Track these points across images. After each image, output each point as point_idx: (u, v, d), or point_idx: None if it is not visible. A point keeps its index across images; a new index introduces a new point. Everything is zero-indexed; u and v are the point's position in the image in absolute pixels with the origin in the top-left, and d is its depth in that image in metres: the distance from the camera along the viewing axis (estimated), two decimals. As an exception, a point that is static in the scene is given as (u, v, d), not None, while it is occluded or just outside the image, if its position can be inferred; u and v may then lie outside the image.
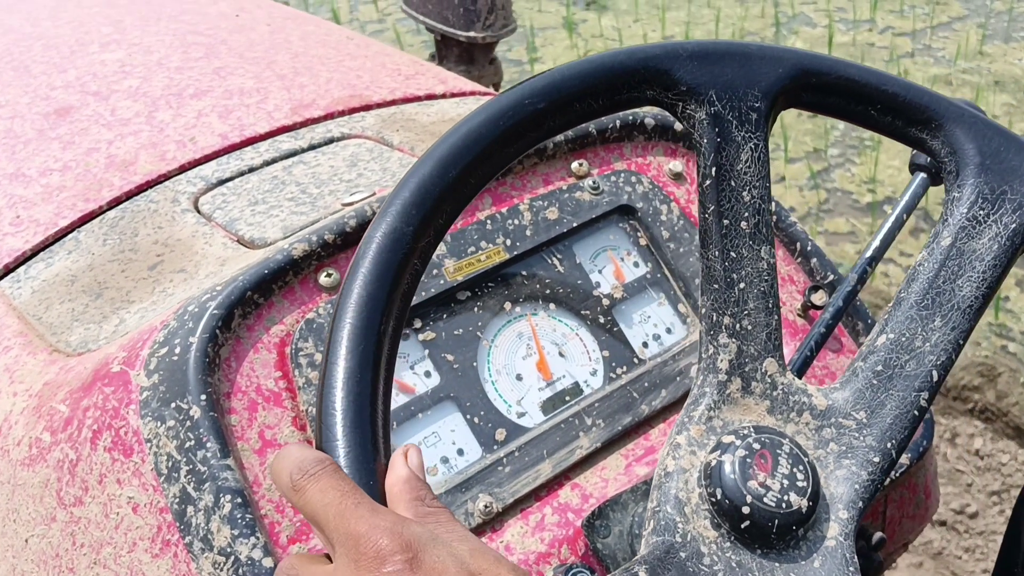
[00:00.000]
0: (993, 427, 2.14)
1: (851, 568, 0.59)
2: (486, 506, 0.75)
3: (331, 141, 1.06)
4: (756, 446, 0.61)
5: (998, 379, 2.18)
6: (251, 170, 1.01)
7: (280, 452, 0.51)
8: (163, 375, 0.71)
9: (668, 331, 0.88)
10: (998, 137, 0.67)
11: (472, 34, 1.52)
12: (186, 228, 0.93)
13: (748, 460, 0.60)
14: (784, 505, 0.59)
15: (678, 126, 0.94)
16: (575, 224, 0.87)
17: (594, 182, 0.90)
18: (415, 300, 0.80)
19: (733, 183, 0.64)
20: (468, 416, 0.79)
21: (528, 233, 0.86)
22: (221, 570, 0.66)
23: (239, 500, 0.67)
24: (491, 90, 1.30)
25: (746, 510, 0.58)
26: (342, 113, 1.12)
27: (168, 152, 1.05)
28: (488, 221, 0.85)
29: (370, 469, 0.52)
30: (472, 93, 1.23)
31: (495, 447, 0.78)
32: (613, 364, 0.85)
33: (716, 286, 0.64)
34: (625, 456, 0.81)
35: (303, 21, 1.43)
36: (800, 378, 0.65)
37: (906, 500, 0.93)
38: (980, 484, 2.05)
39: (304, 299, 0.77)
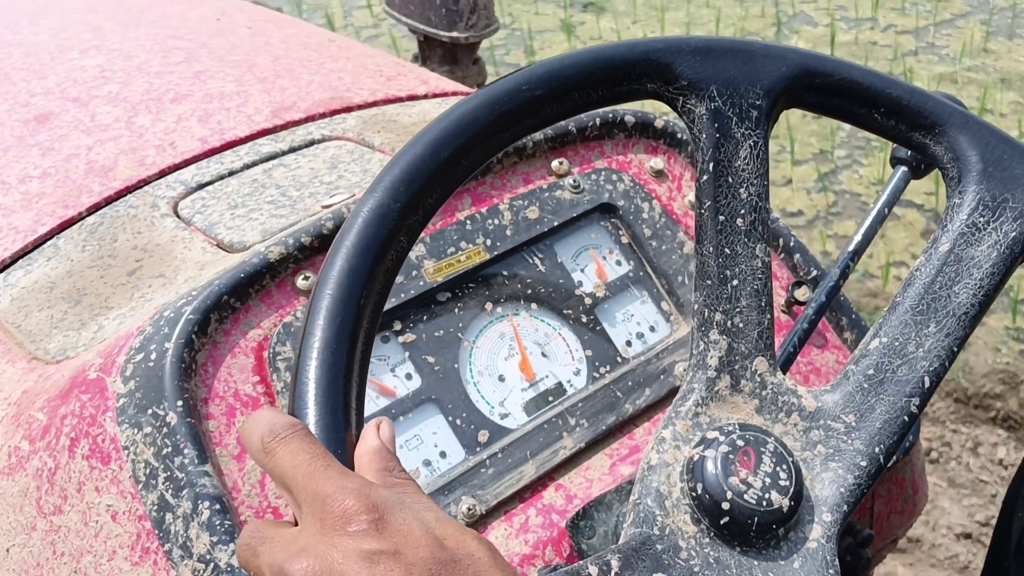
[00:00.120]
0: (1016, 435, 2.12)
1: (831, 571, 0.58)
2: (469, 508, 0.74)
3: (312, 143, 1.05)
4: (740, 443, 0.60)
5: (1020, 386, 2.16)
6: (231, 174, 1.00)
7: (252, 415, 0.51)
8: (139, 381, 0.70)
9: (651, 329, 0.88)
10: (1002, 145, 0.67)
11: (455, 34, 1.51)
12: (165, 233, 0.92)
13: (731, 456, 0.60)
14: (765, 503, 0.59)
15: (659, 123, 0.94)
16: (556, 223, 0.87)
17: (575, 180, 0.89)
18: (395, 302, 0.79)
19: (730, 179, 0.64)
20: (450, 418, 0.78)
21: (509, 233, 0.85)
22: None
23: (217, 506, 0.66)
24: (474, 91, 1.30)
25: (726, 506, 0.58)
26: (323, 115, 1.12)
27: (148, 157, 1.04)
28: (468, 221, 0.84)
29: (340, 438, 0.52)
30: (455, 93, 1.23)
31: (478, 449, 0.78)
32: (596, 363, 0.84)
33: (709, 282, 0.64)
34: (609, 456, 0.80)
35: (284, 24, 1.43)
36: (784, 374, 0.65)
37: (893, 496, 0.92)
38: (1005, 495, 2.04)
39: (281, 302, 0.76)
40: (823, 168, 2.94)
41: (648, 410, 0.83)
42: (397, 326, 0.80)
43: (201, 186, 0.99)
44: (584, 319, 0.86)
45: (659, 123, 0.94)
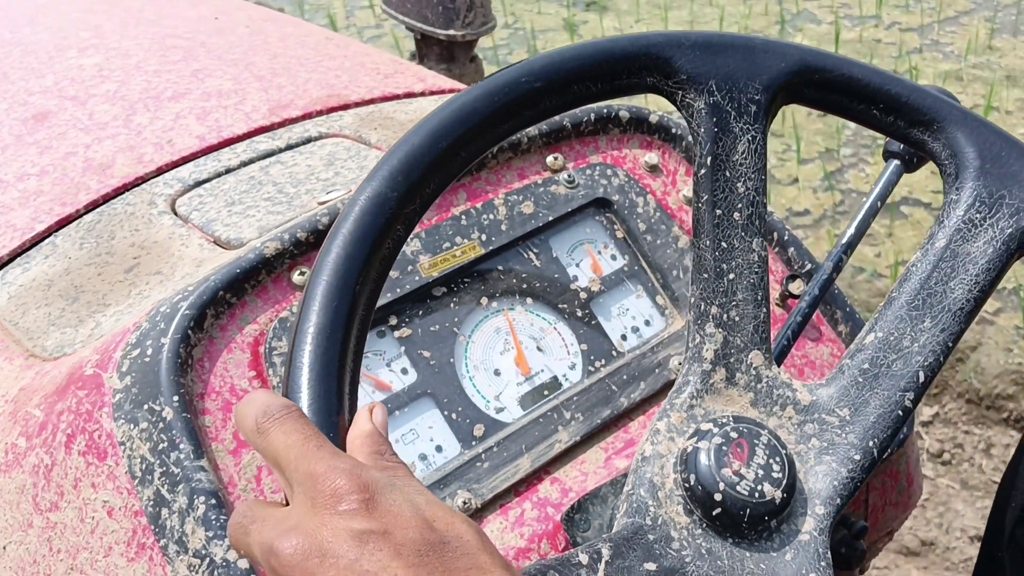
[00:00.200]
0: (1030, 436, 2.12)
1: (823, 563, 0.59)
2: (465, 502, 0.74)
3: (309, 141, 1.06)
4: (733, 435, 0.61)
5: (1033, 386, 2.16)
6: (228, 171, 1.01)
7: (246, 397, 0.52)
8: (135, 377, 0.71)
9: (647, 323, 0.88)
10: (999, 141, 0.67)
11: (452, 32, 1.51)
12: (163, 230, 0.93)
13: (724, 448, 0.60)
14: (757, 495, 0.59)
15: (653, 118, 0.94)
16: (551, 218, 0.87)
17: (569, 175, 0.89)
18: (390, 297, 0.79)
19: (728, 173, 0.64)
20: (446, 412, 0.79)
21: (503, 228, 0.85)
22: (196, 572, 0.66)
23: (213, 501, 0.67)
24: (471, 87, 1.30)
25: (718, 497, 0.58)
26: (320, 113, 1.12)
27: (145, 155, 1.05)
28: (463, 216, 0.84)
29: (332, 422, 0.52)
30: (452, 91, 1.23)
31: (473, 443, 0.78)
32: (592, 357, 0.85)
33: (705, 275, 0.64)
34: (604, 449, 0.80)
35: (282, 23, 1.43)
36: (779, 367, 0.66)
37: (888, 488, 0.93)
38: (1019, 497, 2.03)
39: (277, 298, 0.77)
40: (829, 167, 2.93)
41: (643, 404, 0.83)
42: (393, 321, 0.80)
43: (199, 183, 0.99)
44: (579, 313, 0.86)
45: (653, 118, 0.94)
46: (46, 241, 0.97)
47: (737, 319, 0.64)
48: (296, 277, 0.78)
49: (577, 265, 0.88)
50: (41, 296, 0.89)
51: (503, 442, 0.78)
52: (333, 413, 0.52)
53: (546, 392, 0.82)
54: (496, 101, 0.61)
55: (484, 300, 0.83)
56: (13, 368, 0.82)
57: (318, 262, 0.56)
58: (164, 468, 0.68)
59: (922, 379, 0.63)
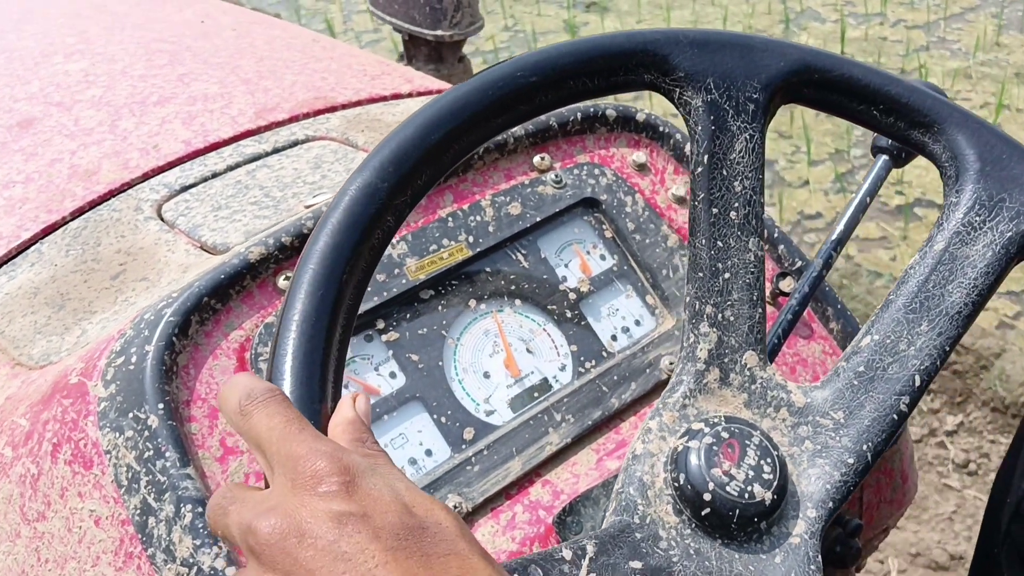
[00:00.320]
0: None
1: (812, 567, 0.58)
2: (455, 506, 0.74)
3: (295, 144, 1.05)
4: (725, 435, 0.60)
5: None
6: (214, 175, 1.00)
7: (230, 379, 0.52)
8: (120, 385, 0.70)
9: (637, 323, 0.87)
10: (1000, 144, 0.66)
11: (439, 32, 1.51)
12: (149, 236, 0.92)
13: (715, 448, 0.60)
14: (747, 496, 0.59)
15: (640, 117, 0.93)
16: (539, 219, 0.87)
17: (557, 175, 0.89)
18: (377, 301, 0.79)
19: (725, 172, 0.64)
20: (435, 416, 0.78)
21: (491, 229, 0.85)
22: None
23: (200, 509, 0.66)
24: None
25: (707, 497, 0.58)
26: (307, 115, 1.11)
27: (131, 160, 1.04)
28: (449, 218, 0.84)
29: (315, 409, 0.52)
30: (439, 91, 1.22)
31: (463, 446, 0.77)
32: (582, 358, 0.84)
33: (701, 274, 0.64)
34: (596, 451, 0.80)
35: (269, 25, 1.43)
36: (773, 367, 0.65)
37: (883, 485, 0.92)
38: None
39: (263, 303, 0.76)
40: (840, 168, 2.91)
41: (634, 404, 0.83)
42: (380, 325, 0.80)
43: (185, 188, 0.99)
44: (569, 314, 0.85)
45: (641, 116, 0.93)
46: (32, 249, 0.96)
47: (732, 319, 0.64)
48: (281, 282, 0.77)
49: (566, 266, 0.87)
50: (27, 304, 0.88)
51: (493, 445, 0.77)
52: (315, 400, 0.52)
53: (536, 394, 0.82)
54: (490, 95, 0.61)
55: (472, 302, 0.83)
56: (-1, 377, 0.82)
57: (306, 250, 0.56)
58: (150, 476, 0.67)
59: (918, 383, 0.63)
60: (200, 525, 0.66)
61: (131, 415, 0.69)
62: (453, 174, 0.86)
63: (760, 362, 0.64)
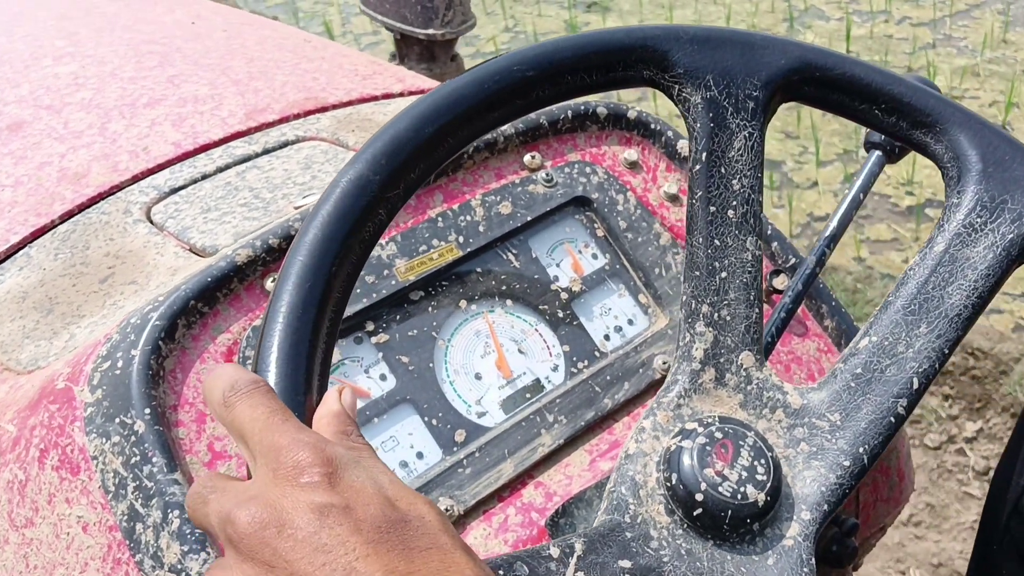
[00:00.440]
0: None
1: (806, 569, 0.58)
2: (447, 509, 0.73)
3: (285, 144, 1.04)
4: (718, 435, 0.60)
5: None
6: (204, 177, 0.99)
7: (215, 370, 0.51)
8: (107, 390, 0.69)
9: (630, 322, 0.87)
10: (1003, 145, 0.66)
11: (431, 31, 1.50)
12: (138, 239, 0.91)
13: (708, 448, 0.59)
14: (739, 496, 0.58)
15: (632, 114, 0.93)
16: (530, 218, 0.86)
17: (548, 174, 0.88)
18: (367, 302, 0.78)
19: (723, 170, 0.63)
20: (426, 418, 0.77)
21: (481, 229, 0.84)
22: None
23: (187, 515, 0.66)
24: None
25: (699, 497, 0.57)
26: (297, 116, 1.11)
27: (121, 163, 1.03)
28: (439, 218, 0.83)
29: (299, 401, 0.51)
30: (430, 91, 1.21)
31: (455, 448, 0.77)
32: (574, 359, 0.83)
33: (697, 273, 0.63)
34: (589, 452, 0.79)
35: (260, 25, 1.42)
36: (769, 368, 0.65)
37: (879, 483, 0.92)
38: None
39: (251, 306, 0.75)
40: (849, 169, 2.88)
41: (628, 404, 0.82)
42: (370, 327, 0.79)
43: (174, 191, 0.98)
44: (561, 314, 0.85)
45: (632, 114, 0.93)
46: (20, 253, 0.95)
47: (728, 318, 0.63)
48: (269, 284, 0.76)
49: (557, 265, 0.87)
50: (15, 309, 0.88)
51: (485, 447, 0.77)
52: (300, 392, 0.52)
53: (528, 395, 0.81)
54: (486, 89, 0.60)
55: (463, 303, 0.82)
56: (-13, 383, 0.81)
57: (295, 242, 0.55)
58: (137, 482, 0.67)
59: (916, 386, 0.62)
60: (188, 531, 0.65)
61: (117, 420, 0.68)
62: (443, 174, 0.85)
63: (756, 362, 0.63)
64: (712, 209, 0.63)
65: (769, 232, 0.91)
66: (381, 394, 0.77)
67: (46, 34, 1.38)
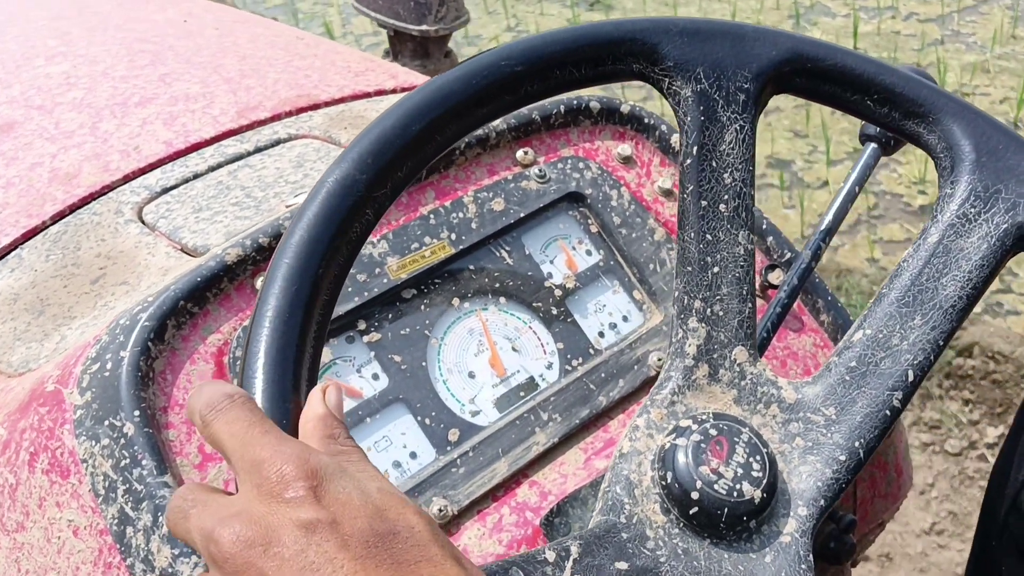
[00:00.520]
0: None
1: (803, 566, 0.57)
2: (440, 510, 0.73)
3: (278, 143, 1.04)
4: (713, 432, 0.59)
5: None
6: (196, 176, 0.99)
7: (195, 389, 0.50)
8: (96, 392, 0.69)
9: (624, 319, 0.86)
10: (996, 134, 0.65)
11: (424, 27, 1.50)
12: (129, 239, 0.91)
13: (702, 445, 0.59)
14: (735, 494, 0.57)
15: (625, 108, 0.92)
16: (523, 214, 0.85)
17: (541, 170, 0.88)
18: (359, 301, 0.77)
19: (714, 164, 0.63)
20: (419, 418, 0.77)
21: (474, 226, 0.83)
22: None
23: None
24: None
25: (695, 495, 0.57)
26: (289, 114, 1.10)
27: (112, 162, 1.03)
28: (431, 216, 0.82)
29: (285, 408, 0.50)
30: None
31: (448, 448, 0.76)
32: (569, 356, 0.83)
33: (689, 268, 0.62)
34: (584, 450, 0.78)
35: (252, 24, 1.41)
36: (763, 363, 0.64)
37: (877, 479, 0.91)
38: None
39: (241, 306, 0.75)
40: None
41: (623, 402, 0.81)
42: (362, 325, 0.78)
43: (166, 190, 0.97)
44: (555, 311, 0.84)
45: (625, 108, 0.92)
46: (12, 254, 0.95)
47: (721, 314, 0.62)
48: (259, 283, 0.75)
49: (551, 262, 0.86)
50: (7, 311, 0.87)
51: (479, 446, 0.76)
52: (287, 398, 0.51)
53: (522, 393, 0.80)
54: (474, 84, 0.59)
55: (456, 301, 0.82)
56: (-23, 386, 0.80)
57: (281, 244, 0.54)
58: (127, 485, 0.66)
59: (911, 378, 0.62)
60: None
61: (107, 423, 0.68)
62: (434, 170, 0.85)
63: (750, 358, 0.63)
64: (703, 203, 0.63)
65: (764, 227, 0.91)
66: (373, 394, 0.76)
67: (38, 34, 1.37)
